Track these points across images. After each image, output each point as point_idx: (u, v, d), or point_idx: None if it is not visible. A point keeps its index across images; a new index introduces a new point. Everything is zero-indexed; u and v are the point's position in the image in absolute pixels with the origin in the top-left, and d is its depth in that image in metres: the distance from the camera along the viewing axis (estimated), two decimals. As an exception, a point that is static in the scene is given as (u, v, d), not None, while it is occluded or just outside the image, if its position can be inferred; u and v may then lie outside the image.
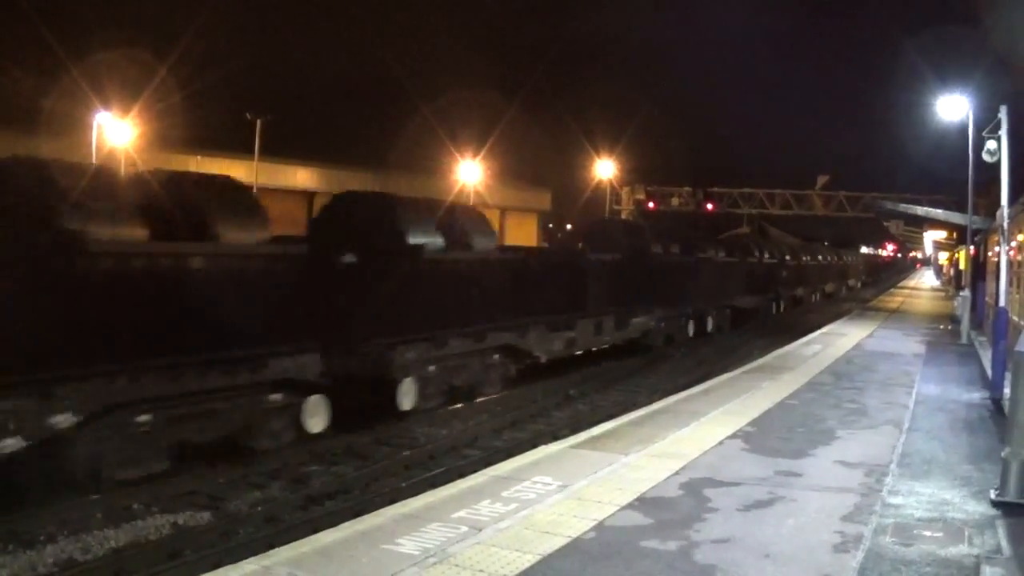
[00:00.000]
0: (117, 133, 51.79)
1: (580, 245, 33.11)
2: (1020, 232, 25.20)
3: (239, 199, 17.25)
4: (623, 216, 78.37)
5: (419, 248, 20.20)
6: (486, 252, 23.24)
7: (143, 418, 13.75)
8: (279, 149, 62.08)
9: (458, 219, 22.72)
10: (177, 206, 15.35)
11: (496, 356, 22.85)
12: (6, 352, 12.13)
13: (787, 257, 59.53)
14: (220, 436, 15.42)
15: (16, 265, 12.63)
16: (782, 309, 56.48)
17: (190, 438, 14.78)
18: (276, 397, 16.17)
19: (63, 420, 12.40)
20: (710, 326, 39.86)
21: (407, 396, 19.24)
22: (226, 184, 17.46)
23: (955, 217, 47.38)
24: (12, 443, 11.79)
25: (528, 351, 24.01)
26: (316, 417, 17.01)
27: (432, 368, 20.10)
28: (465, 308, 21.44)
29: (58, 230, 13.15)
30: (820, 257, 77.28)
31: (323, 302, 17.32)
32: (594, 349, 28.54)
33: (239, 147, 61.72)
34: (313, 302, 17.14)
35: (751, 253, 49.54)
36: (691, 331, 37.64)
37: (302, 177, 63.62)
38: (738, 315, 44.70)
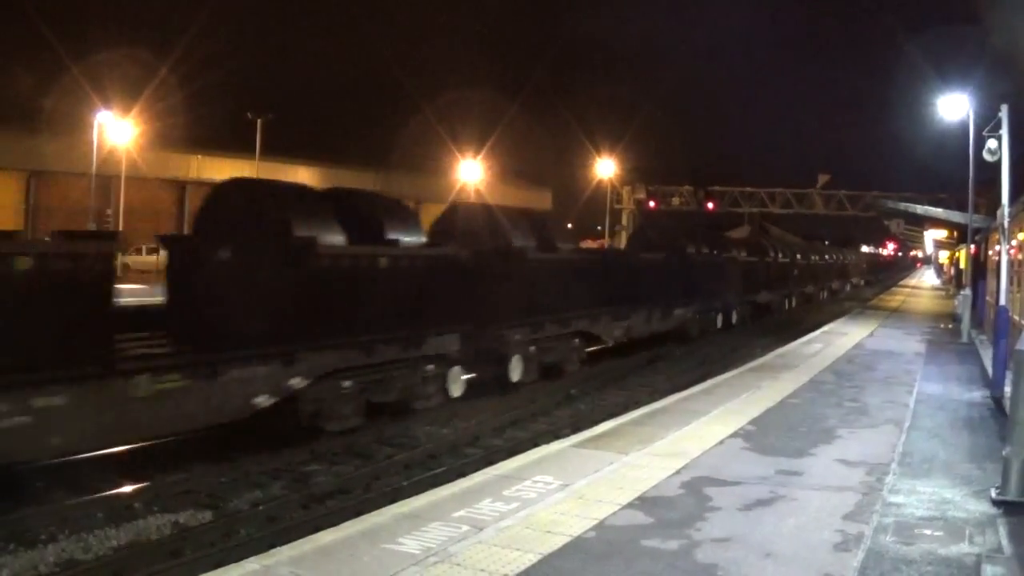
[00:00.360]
0: (118, 132, 51.80)
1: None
2: (1020, 231, 25.21)
3: (402, 210, 21.63)
4: (623, 216, 78.48)
5: (524, 249, 24.38)
6: (568, 252, 27.86)
7: (347, 383, 17.42)
8: (280, 149, 62.14)
9: (545, 226, 27.51)
10: (361, 216, 19.02)
11: (576, 340, 26.81)
12: (263, 328, 15.76)
13: (798, 256, 63.09)
14: (393, 398, 19.04)
15: (269, 263, 16.56)
16: (794, 305, 59.98)
17: (374, 399, 18.41)
18: (430, 367, 19.90)
19: (298, 383, 16.12)
20: (735, 319, 44.03)
21: (515, 370, 23.15)
22: (393, 200, 22.73)
23: (956, 216, 47.43)
24: (263, 400, 15.51)
25: (598, 335, 28.31)
26: (456, 384, 20.75)
27: (532, 348, 24.00)
28: (553, 299, 25.40)
29: (296, 236, 16.78)
30: (826, 256, 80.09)
31: (459, 293, 21.02)
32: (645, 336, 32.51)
33: (240, 146, 61.80)
34: (452, 293, 20.78)
35: (767, 253, 53.99)
36: (719, 323, 41.79)
37: (303, 176, 63.62)
38: (758, 309, 49.46)
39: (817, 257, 72.93)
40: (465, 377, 21.01)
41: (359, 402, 17.86)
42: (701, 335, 37.80)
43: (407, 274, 19.22)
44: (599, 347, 28.60)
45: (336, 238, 17.78)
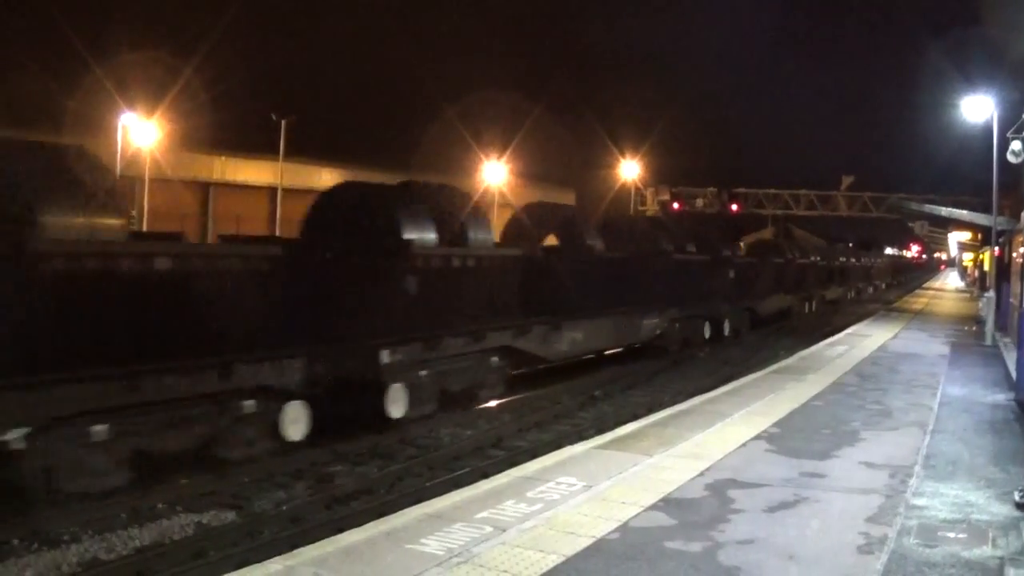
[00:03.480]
0: (142, 134, 51.97)
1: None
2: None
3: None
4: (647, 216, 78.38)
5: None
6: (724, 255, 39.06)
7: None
8: (304, 150, 62.24)
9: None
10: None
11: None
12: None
13: (860, 259, 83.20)
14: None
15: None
16: (850, 297, 75.42)
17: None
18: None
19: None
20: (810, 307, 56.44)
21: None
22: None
23: (980, 218, 47.24)
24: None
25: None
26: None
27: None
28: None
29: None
30: (870, 259, 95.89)
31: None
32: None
33: (264, 148, 61.89)
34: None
35: (836, 257, 67.79)
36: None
37: (327, 178, 63.46)
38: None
39: (867, 259, 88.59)
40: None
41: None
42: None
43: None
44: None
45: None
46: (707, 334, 35.82)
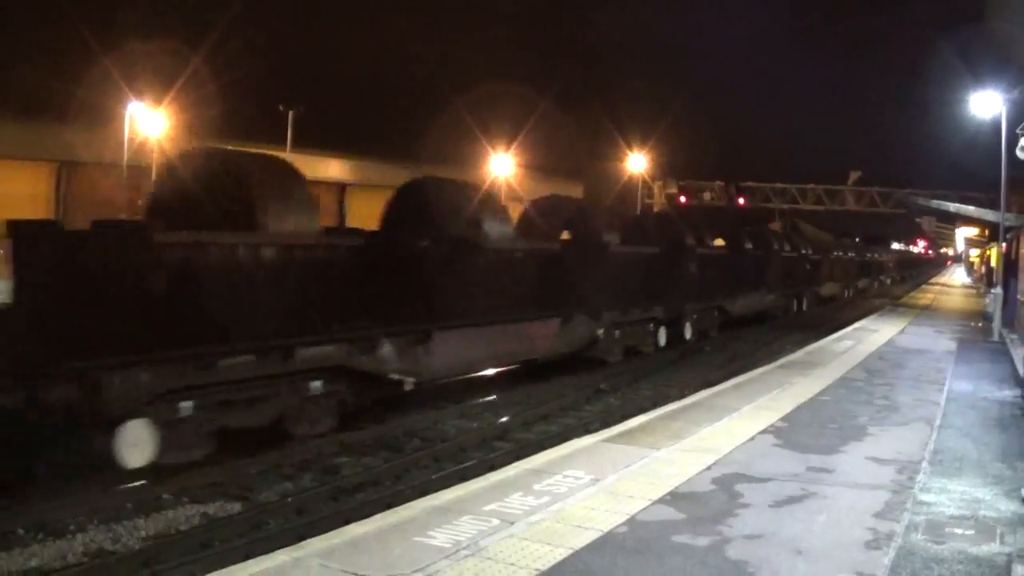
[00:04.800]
0: (149, 124, 51.89)
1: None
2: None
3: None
4: (655, 209, 78.41)
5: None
6: (803, 252, 51.17)
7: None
8: (311, 141, 62.20)
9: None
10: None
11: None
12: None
13: (881, 255, 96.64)
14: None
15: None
16: (876, 285, 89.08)
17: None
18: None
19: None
20: (848, 293, 70.68)
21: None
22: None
23: (987, 214, 47.16)
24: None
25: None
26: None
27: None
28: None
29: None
30: (889, 254, 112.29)
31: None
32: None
33: (271, 139, 61.86)
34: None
35: (864, 253, 79.78)
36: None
37: (335, 169, 63.59)
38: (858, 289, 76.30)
39: (885, 255, 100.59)
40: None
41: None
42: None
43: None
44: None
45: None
46: (794, 307, 51.56)
